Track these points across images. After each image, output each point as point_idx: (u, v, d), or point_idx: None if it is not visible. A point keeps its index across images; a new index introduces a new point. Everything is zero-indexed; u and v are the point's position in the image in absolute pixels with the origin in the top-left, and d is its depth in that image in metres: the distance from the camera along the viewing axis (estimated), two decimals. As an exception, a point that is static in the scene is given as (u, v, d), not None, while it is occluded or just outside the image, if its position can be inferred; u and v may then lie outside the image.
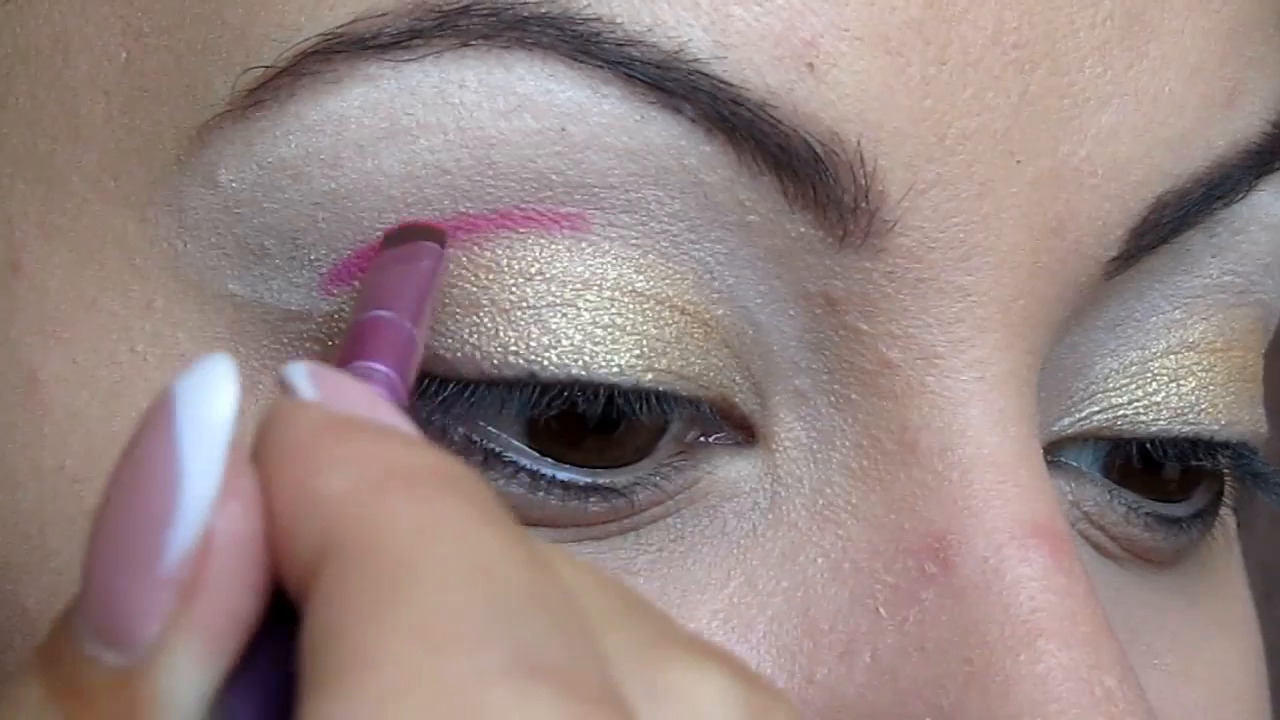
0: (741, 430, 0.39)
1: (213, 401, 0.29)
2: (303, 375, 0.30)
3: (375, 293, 0.35)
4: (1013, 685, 0.36)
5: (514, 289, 0.37)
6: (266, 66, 0.36)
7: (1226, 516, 0.45)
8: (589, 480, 0.37)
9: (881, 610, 0.37)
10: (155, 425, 0.29)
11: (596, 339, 0.37)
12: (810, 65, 0.36)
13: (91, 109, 0.38)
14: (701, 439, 0.38)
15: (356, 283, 0.37)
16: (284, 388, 0.31)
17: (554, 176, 0.36)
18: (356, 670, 0.26)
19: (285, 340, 0.37)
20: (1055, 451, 0.42)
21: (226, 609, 0.28)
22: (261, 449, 0.29)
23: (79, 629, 0.28)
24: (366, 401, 0.31)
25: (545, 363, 0.36)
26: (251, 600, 0.29)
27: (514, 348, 0.36)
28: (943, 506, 0.37)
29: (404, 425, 0.31)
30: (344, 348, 0.34)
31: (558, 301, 0.37)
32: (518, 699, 0.26)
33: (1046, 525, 0.37)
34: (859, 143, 0.37)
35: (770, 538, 0.38)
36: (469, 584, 0.27)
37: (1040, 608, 0.37)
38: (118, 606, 0.28)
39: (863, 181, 0.37)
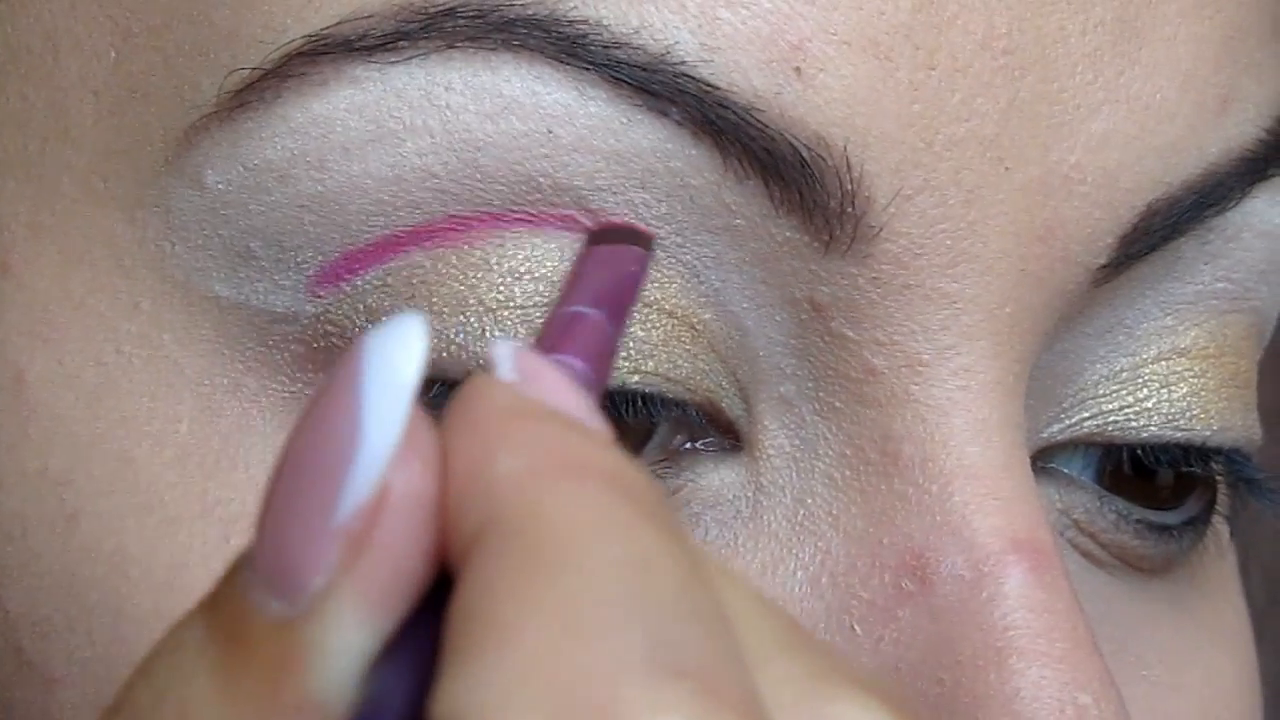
0: (727, 435, 0.38)
1: (401, 357, 0.28)
2: (506, 355, 0.30)
3: (584, 287, 0.35)
4: (982, 705, 0.36)
5: (502, 288, 0.36)
6: (253, 68, 0.36)
7: (1219, 525, 0.45)
8: None
9: (857, 628, 0.37)
10: (342, 377, 0.29)
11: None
12: (797, 69, 0.36)
13: (81, 109, 0.38)
14: (687, 445, 0.38)
15: (344, 284, 0.37)
16: (487, 364, 0.30)
17: (541, 179, 0.36)
18: (493, 646, 0.26)
19: (271, 343, 0.37)
20: (1046, 458, 0.42)
21: (395, 568, 0.28)
22: (449, 419, 0.29)
23: (246, 575, 0.28)
24: (564, 392, 0.30)
25: None
26: (420, 564, 0.28)
27: None
28: (922, 521, 0.37)
29: (595, 422, 0.30)
30: (547, 335, 0.34)
31: (545, 302, 0.37)
32: (650, 691, 0.25)
33: (1028, 539, 0.37)
34: (846, 147, 0.36)
35: (751, 549, 0.38)
36: (620, 577, 0.27)
37: (1014, 625, 0.36)
38: (287, 554, 0.28)
39: (849, 186, 0.37)
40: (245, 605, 0.28)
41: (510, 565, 0.27)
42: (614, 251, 0.36)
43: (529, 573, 0.27)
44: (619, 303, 0.35)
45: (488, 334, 0.36)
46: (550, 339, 0.34)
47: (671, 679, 0.26)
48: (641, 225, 0.37)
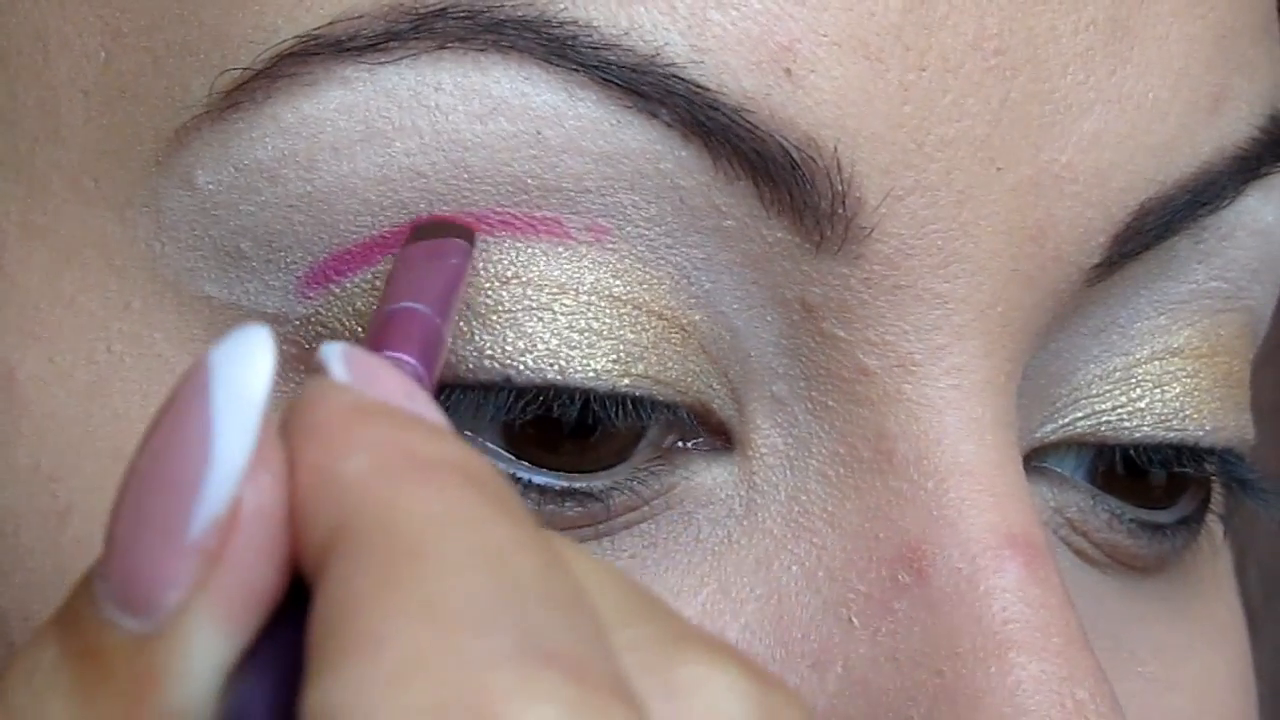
0: (718, 436, 0.38)
1: (248, 371, 0.29)
2: (337, 357, 0.30)
3: (404, 284, 0.35)
4: (983, 697, 0.36)
5: (490, 292, 0.37)
6: (243, 68, 0.36)
7: (1213, 524, 0.45)
8: (565, 485, 0.37)
9: (854, 620, 0.37)
10: (189, 392, 0.29)
11: (573, 343, 0.37)
12: (788, 70, 0.36)
13: (71, 109, 0.38)
14: (679, 444, 0.38)
15: (332, 286, 0.37)
16: (318, 367, 0.31)
17: (530, 180, 0.36)
18: (362, 651, 0.26)
19: None
20: (1039, 457, 0.42)
21: (249, 581, 0.28)
22: (288, 427, 0.29)
23: (99, 593, 0.28)
24: (400, 388, 0.31)
25: (521, 367, 0.36)
26: (273, 575, 0.29)
27: (489, 351, 0.36)
28: (918, 516, 0.37)
29: (435, 416, 0.31)
30: (373, 335, 0.34)
31: (534, 305, 0.37)
32: (523, 682, 0.26)
33: (1022, 535, 0.37)
34: (836, 148, 0.36)
35: (745, 545, 0.38)
36: (479, 570, 0.27)
37: (1013, 619, 0.36)
38: (140, 572, 0.28)
39: (839, 187, 0.37)
40: (99, 623, 0.28)
41: (369, 567, 0.27)
42: (434, 245, 0.36)
43: (389, 573, 0.27)
44: (444, 296, 0.35)
45: (477, 338, 0.36)
46: (378, 337, 0.34)
47: (542, 667, 0.26)
48: (461, 218, 0.36)
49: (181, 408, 0.29)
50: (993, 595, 0.37)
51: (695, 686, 0.28)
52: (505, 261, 0.37)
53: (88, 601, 0.29)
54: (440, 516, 0.28)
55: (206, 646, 0.28)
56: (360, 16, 0.36)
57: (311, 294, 0.37)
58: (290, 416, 0.29)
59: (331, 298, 0.37)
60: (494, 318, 0.36)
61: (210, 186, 0.37)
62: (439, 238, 0.36)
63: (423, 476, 0.28)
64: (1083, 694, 0.36)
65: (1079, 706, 0.36)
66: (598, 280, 0.37)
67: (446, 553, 0.27)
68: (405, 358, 0.33)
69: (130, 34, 0.37)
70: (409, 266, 0.36)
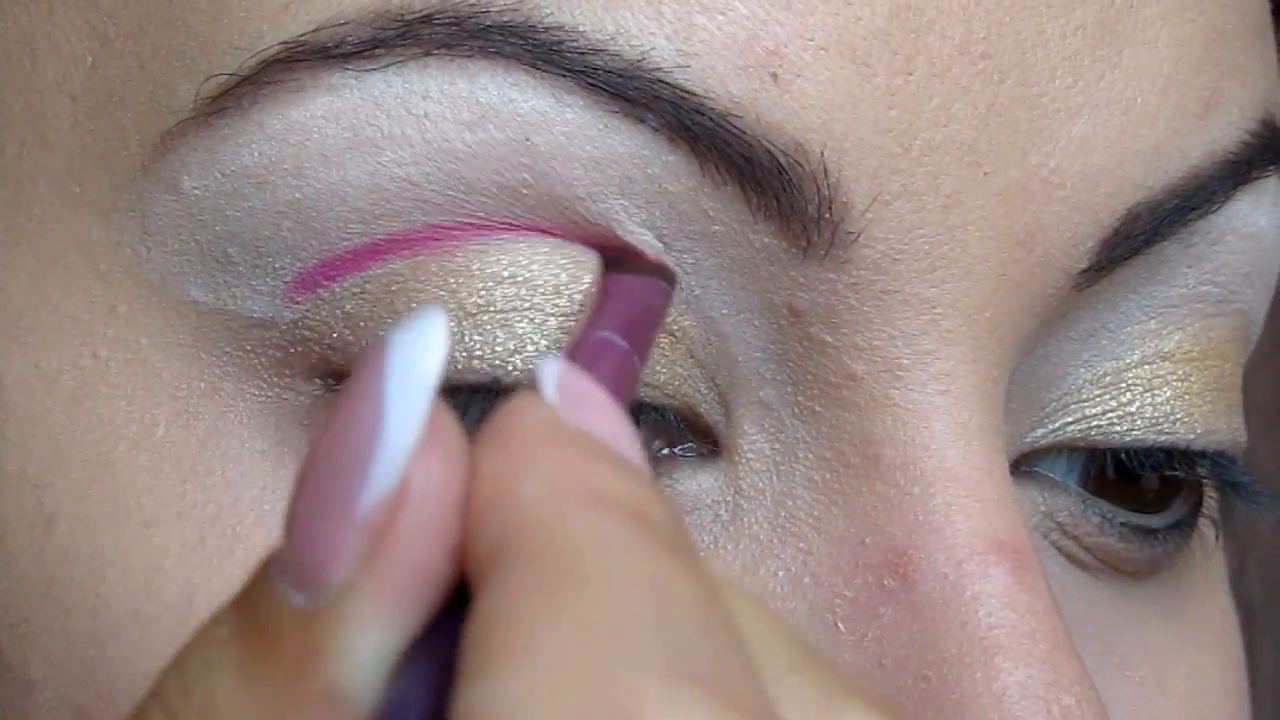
0: (706, 441, 0.38)
1: (422, 352, 0.29)
2: (551, 375, 0.31)
3: (613, 314, 0.35)
4: (969, 703, 0.36)
5: (483, 292, 0.36)
6: (230, 74, 0.36)
7: (1205, 528, 0.45)
8: None
9: (840, 625, 0.37)
10: (366, 372, 0.29)
11: (562, 345, 0.37)
12: (774, 75, 0.36)
13: (58, 114, 0.38)
14: (666, 450, 0.38)
15: (321, 291, 0.37)
16: (532, 381, 0.31)
17: (525, 190, 0.36)
18: (513, 658, 0.26)
19: (248, 347, 0.37)
20: (1030, 462, 0.42)
21: (415, 563, 0.28)
22: (484, 433, 0.29)
23: (273, 570, 0.29)
24: (607, 419, 0.31)
25: (510, 368, 0.36)
26: (441, 561, 0.29)
27: (478, 352, 0.36)
28: (904, 521, 0.37)
29: (633, 452, 0.31)
30: (579, 357, 0.34)
31: (526, 306, 0.36)
32: (670, 699, 0.26)
33: (1008, 541, 0.37)
34: (823, 153, 0.36)
35: (731, 550, 0.38)
36: (637, 593, 0.27)
37: (999, 624, 0.36)
38: (310, 547, 0.28)
39: (826, 192, 0.37)
40: (271, 598, 0.29)
41: (529, 580, 0.27)
42: (639, 283, 0.36)
43: (548, 588, 0.27)
44: (643, 337, 0.35)
45: (466, 338, 0.36)
46: (582, 362, 0.34)
47: (688, 685, 0.26)
48: (664, 261, 0.37)
49: (358, 386, 0.29)
50: (979, 600, 0.37)
51: None
52: (504, 261, 0.36)
53: (264, 579, 0.29)
54: (605, 543, 0.28)
55: (371, 626, 0.28)
56: (346, 23, 0.36)
57: (300, 299, 0.37)
58: (488, 424, 0.30)
59: (320, 302, 0.37)
60: (485, 318, 0.36)
61: (197, 192, 0.37)
62: (643, 274, 0.36)
63: (595, 509, 0.28)
64: (1068, 700, 0.36)
65: (1064, 712, 0.36)
66: (595, 283, 0.37)
67: (607, 575, 0.27)
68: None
69: (117, 39, 0.37)
70: (615, 296, 0.36)
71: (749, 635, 0.28)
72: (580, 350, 0.34)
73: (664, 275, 0.37)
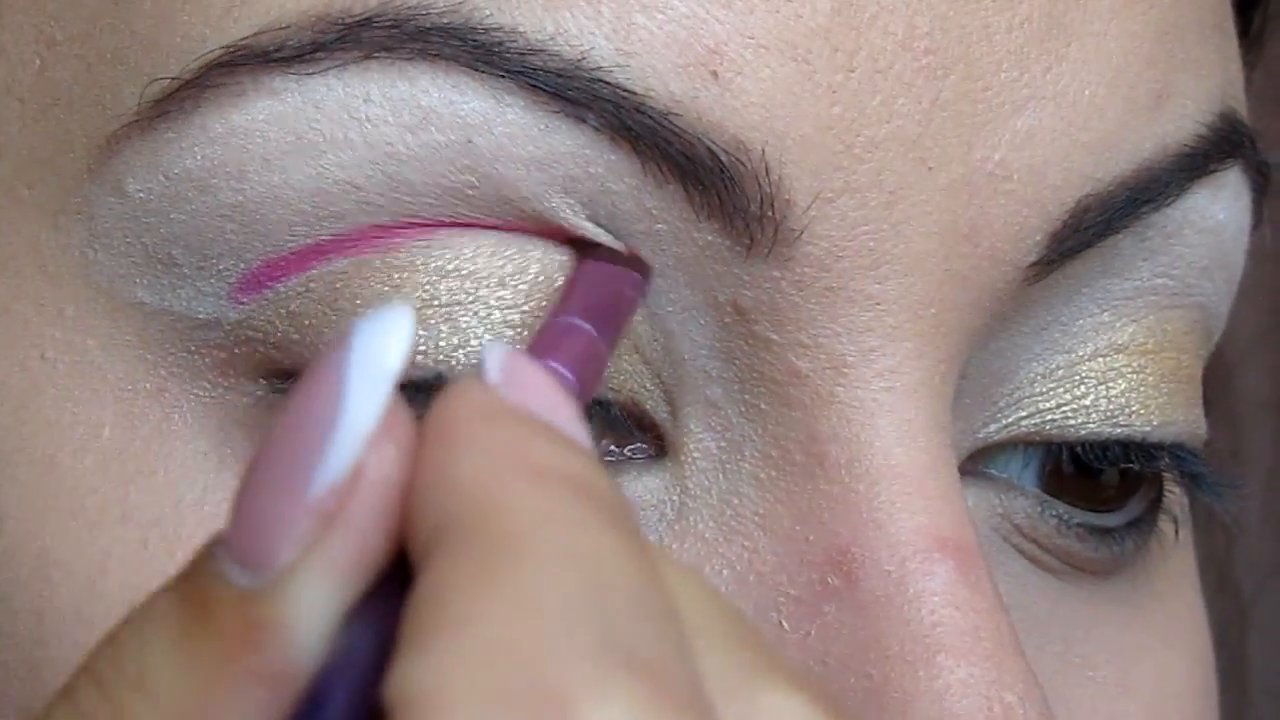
0: (653, 438, 0.38)
1: (386, 342, 0.29)
2: (495, 359, 0.31)
3: (580, 299, 0.35)
4: (911, 701, 0.36)
5: (427, 286, 0.36)
6: (172, 78, 0.36)
7: (1165, 525, 0.45)
8: None
9: (784, 623, 0.37)
10: (328, 359, 0.29)
11: (506, 339, 0.37)
12: (714, 73, 0.36)
13: (7, 117, 0.38)
14: (613, 449, 0.38)
15: (266, 291, 0.37)
16: (476, 364, 0.31)
17: (469, 191, 0.36)
18: (448, 631, 0.26)
19: (193, 348, 0.37)
20: (985, 460, 0.42)
21: (360, 547, 0.29)
22: (429, 416, 0.30)
23: (217, 549, 0.29)
24: (546, 398, 0.31)
25: (454, 363, 0.36)
26: (383, 547, 0.29)
27: (422, 347, 0.36)
28: (848, 519, 0.37)
29: (574, 430, 0.31)
30: (540, 341, 0.34)
31: (469, 299, 0.36)
32: (598, 679, 0.26)
33: (953, 538, 0.37)
34: (764, 151, 0.36)
35: (676, 549, 0.38)
36: (574, 571, 0.27)
37: (941, 622, 0.36)
38: (258, 528, 0.29)
39: (768, 190, 0.37)
40: (212, 576, 0.29)
41: (467, 557, 0.27)
42: (611, 271, 0.36)
43: (485, 565, 0.27)
44: (612, 323, 0.35)
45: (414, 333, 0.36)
46: (542, 345, 0.34)
47: (619, 667, 0.26)
48: (641, 254, 0.37)
49: (319, 373, 0.29)
50: (922, 598, 0.37)
51: (776, 713, 0.28)
52: (448, 255, 0.37)
53: (207, 557, 0.29)
54: (543, 517, 0.28)
55: (313, 608, 0.28)
56: (287, 27, 0.36)
57: (244, 299, 0.37)
58: (432, 407, 0.30)
59: (265, 302, 0.37)
60: (429, 312, 0.36)
61: (141, 195, 0.37)
62: (617, 264, 0.37)
63: (534, 483, 0.28)
64: (1011, 698, 0.36)
65: (1006, 710, 0.36)
66: (540, 273, 0.37)
67: (543, 550, 0.27)
68: (564, 370, 0.33)
69: (64, 42, 0.38)
70: (585, 283, 0.36)
71: (684, 610, 0.29)
72: (543, 334, 0.34)
73: (636, 266, 0.37)
